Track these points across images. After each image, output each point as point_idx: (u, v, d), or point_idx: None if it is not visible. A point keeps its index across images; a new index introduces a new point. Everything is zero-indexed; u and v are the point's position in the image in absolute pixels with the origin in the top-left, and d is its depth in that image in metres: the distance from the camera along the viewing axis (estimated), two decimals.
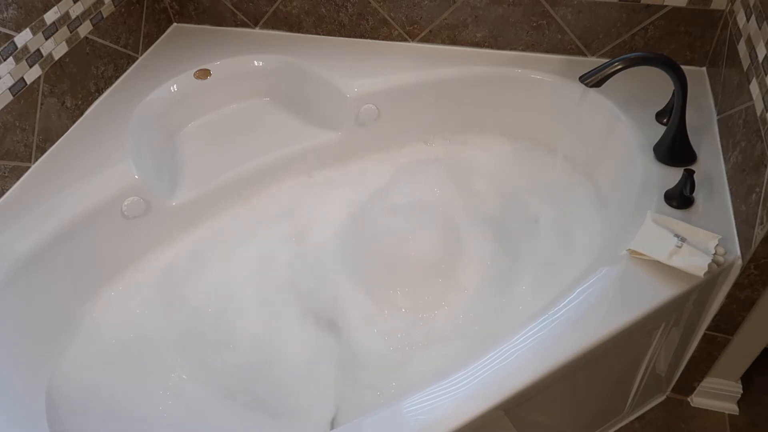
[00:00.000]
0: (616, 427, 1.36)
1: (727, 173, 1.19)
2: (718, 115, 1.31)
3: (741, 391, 1.35)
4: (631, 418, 1.37)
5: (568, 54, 1.50)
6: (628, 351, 1.12)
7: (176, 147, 1.54)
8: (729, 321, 1.16)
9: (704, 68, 1.45)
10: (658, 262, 1.02)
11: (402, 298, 1.33)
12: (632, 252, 1.05)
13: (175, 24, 1.74)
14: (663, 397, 1.40)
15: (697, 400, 1.38)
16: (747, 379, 1.35)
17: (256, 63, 1.60)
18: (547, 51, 1.51)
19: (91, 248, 1.28)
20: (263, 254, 1.42)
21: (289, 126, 1.58)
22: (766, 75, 1.06)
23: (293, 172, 1.54)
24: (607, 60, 1.19)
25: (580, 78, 1.17)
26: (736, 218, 1.11)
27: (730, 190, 1.16)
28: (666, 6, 1.36)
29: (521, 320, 1.00)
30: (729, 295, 1.11)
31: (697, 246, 1.03)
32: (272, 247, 1.43)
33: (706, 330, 1.19)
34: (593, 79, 1.15)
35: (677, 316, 1.10)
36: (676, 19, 1.38)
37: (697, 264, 1.00)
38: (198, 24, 1.72)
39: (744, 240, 1.06)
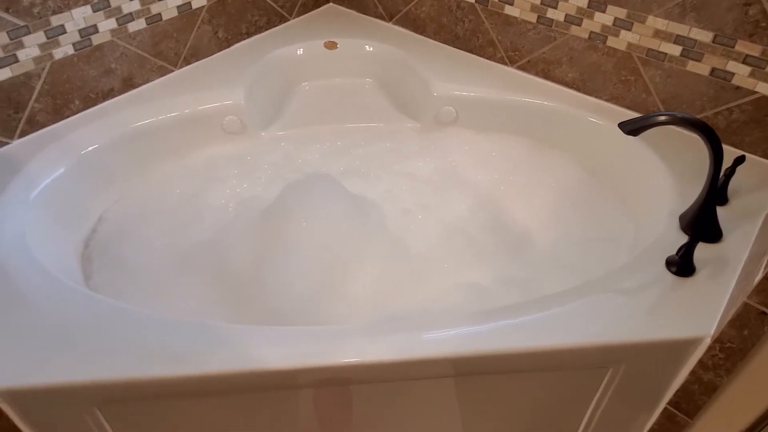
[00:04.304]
0: None
1: (745, 260, 1.16)
2: None
3: None
4: None
5: None
6: (567, 385, 1.14)
7: (286, 95, 1.83)
8: (690, 401, 1.12)
9: None
10: None
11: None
12: None
13: (331, 4, 2.05)
14: None
15: None
16: None
17: (373, 48, 1.84)
18: (628, 107, 1.54)
19: (186, 136, 1.60)
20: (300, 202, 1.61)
21: (379, 106, 1.81)
22: None
23: (366, 143, 1.74)
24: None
25: (619, 124, 1.22)
26: (729, 301, 1.08)
27: (739, 275, 1.12)
28: (757, 93, 1.34)
29: None
30: (693, 373, 1.08)
31: None
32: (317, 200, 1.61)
33: (667, 404, 1.16)
34: (631, 126, 1.19)
35: (627, 370, 1.10)
36: (765, 108, 1.34)
37: None
38: (348, 8, 2.02)
39: (723, 320, 1.03)
